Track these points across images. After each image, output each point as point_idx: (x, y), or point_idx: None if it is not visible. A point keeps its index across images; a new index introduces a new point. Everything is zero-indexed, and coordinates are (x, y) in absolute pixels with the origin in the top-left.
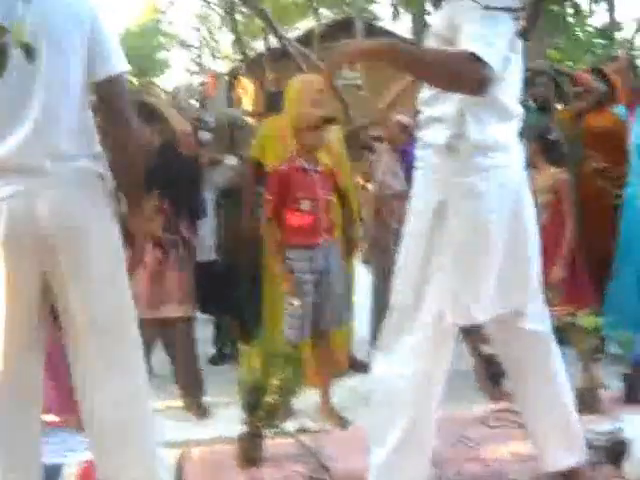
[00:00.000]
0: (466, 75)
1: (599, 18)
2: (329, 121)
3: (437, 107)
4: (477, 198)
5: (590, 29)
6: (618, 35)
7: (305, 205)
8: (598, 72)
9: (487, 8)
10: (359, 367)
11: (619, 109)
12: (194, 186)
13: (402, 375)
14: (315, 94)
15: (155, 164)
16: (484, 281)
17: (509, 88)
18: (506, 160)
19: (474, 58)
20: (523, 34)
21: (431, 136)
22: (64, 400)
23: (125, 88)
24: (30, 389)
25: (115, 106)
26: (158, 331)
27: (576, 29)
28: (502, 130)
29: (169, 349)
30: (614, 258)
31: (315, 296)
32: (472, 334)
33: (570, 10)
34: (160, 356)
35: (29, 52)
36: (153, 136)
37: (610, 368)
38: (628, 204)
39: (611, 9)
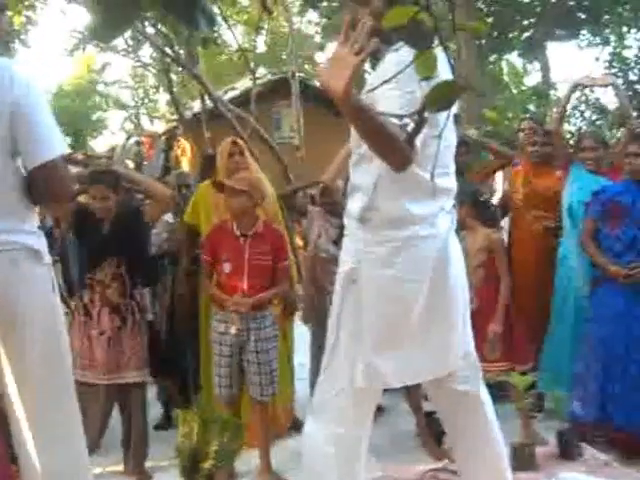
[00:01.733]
0: (398, 153)
1: (534, 78)
2: (220, 188)
3: (358, 175)
4: (387, 268)
5: (525, 88)
6: (552, 94)
7: (227, 268)
8: (544, 131)
9: (382, 114)
10: (301, 427)
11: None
12: (148, 251)
13: (326, 437)
14: (226, 161)
15: (114, 230)
16: (396, 347)
17: (427, 162)
18: (425, 232)
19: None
20: (409, 142)
21: (350, 205)
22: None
23: (61, 172)
24: None
25: (50, 191)
26: (114, 396)
27: (512, 88)
28: (420, 204)
29: (124, 414)
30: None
31: (243, 362)
32: (413, 392)
33: (506, 69)
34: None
35: None
36: (113, 203)
37: (546, 423)
38: (561, 263)
39: (545, 69)
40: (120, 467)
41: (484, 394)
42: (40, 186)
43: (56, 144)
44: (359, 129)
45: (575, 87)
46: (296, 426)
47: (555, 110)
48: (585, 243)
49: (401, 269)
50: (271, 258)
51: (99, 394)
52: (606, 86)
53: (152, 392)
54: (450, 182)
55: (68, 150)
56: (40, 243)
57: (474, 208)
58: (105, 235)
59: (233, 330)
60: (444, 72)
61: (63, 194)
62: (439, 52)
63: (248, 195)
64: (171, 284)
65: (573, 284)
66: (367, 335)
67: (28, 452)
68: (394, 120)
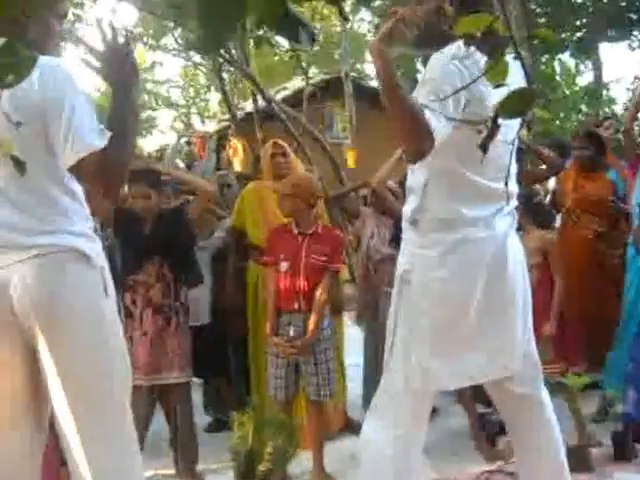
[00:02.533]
0: (417, 140)
1: (586, 77)
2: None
3: (412, 177)
4: (438, 270)
5: (577, 88)
6: (604, 94)
7: (283, 267)
8: (590, 135)
9: (451, 119)
10: (354, 428)
11: (611, 173)
12: (193, 252)
13: (383, 439)
14: (269, 162)
15: (156, 230)
16: (451, 349)
17: (479, 167)
18: (480, 234)
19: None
20: (483, 147)
21: (405, 207)
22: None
23: (102, 164)
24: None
25: (93, 185)
26: (157, 398)
27: (564, 88)
28: (473, 206)
29: (169, 415)
30: (618, 320)
31: (300, 362)
32: (466, 393)
33: (558, 69)
34: (153, 423)
35: (19, 164)
36: (155, 202)
37: (603, 425)
38: (630, 262)
39: (597, 69)
40: (172, 470)
41: (545, 395)
42: (83, 180)
43: (95, 138)
44: (388, 102)
45: None
46: (349, 427)
47: (630, 109)
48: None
49: (452, 271)
50: (327, 259)
51: (142, 396)
52: None
53: (199, 395)
54: (510, 185)
55: (104, 143)
56: (92, 246)
57: (528, 210)
58: (147, 235)
59: (291, 332)
60: (516, 79)
61: (110, 188)
62: (511, 59)
63: (298, 197)
64: (214, 284)
65: None
66: (421, 337)
67: (75, 458)
68: (469, 127)
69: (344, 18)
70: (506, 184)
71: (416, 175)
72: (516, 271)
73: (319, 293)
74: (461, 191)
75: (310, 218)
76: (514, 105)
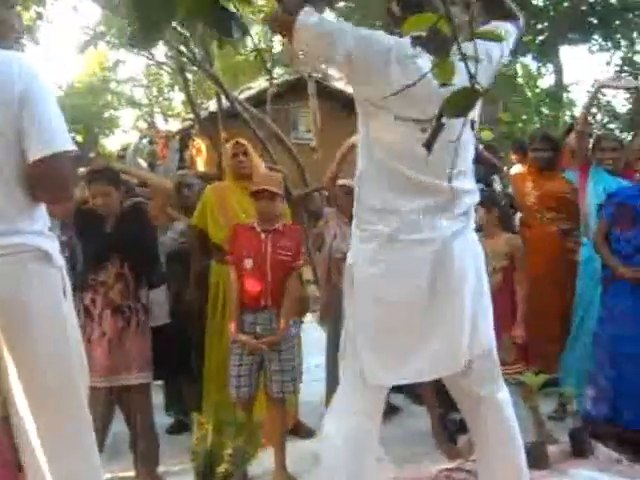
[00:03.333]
0: None
1: (547, 80)
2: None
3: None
4: (375, 265)
5: (538, 90)
6: (565, 97)
7: (248, 265)
8: (547, 138)
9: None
10: (305, 432)
11: (568, 174)
12: (154, 252)
13: (336, 431)
14: (230, 161)
15: (118, 228)
16: (389, 347)
17: (415, 161)
18: (416, 231)
19: None
20: (427, 146)
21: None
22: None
23: (62, 169)
24: None
25: (47, 188)
26: (116, 400)
27: (526, 91)
28: (408, 200)
29: (128, 417)
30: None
31: (265, 361)
32: (427, 393)
33: (520, 71)
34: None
35: None
36: (116, 199)
37: (560, 423)
38: (585, 264)
39: (558, 72)
40: (131, 472)
41: (504, 395)
42: (37, 182)
43: (59, 139)
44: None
45: (600, 87)
46: (299, 430)
47: (581, 111)
48: (597, 244)
49: (388, 267)
50: (291, 255)
51: (101, 398)
52: (629, 89)
53: (160, 396)
54: (460, 183)
55: (73, 148)
56: (53, 245)
57: (500, 214)
58: (109, 234)
59: (258, 329)
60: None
61: (60, 193)
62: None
63: (280, 197)
64: (177, 285)
65: (599, 285)
66: (361, 332)
67: (35, 459)
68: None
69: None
70: (449, 181)
71: (358, 167)
72: (464, 272)
73: (288, 291)
74: (395, 184)
75: (274, 216)
76: (458, 103)
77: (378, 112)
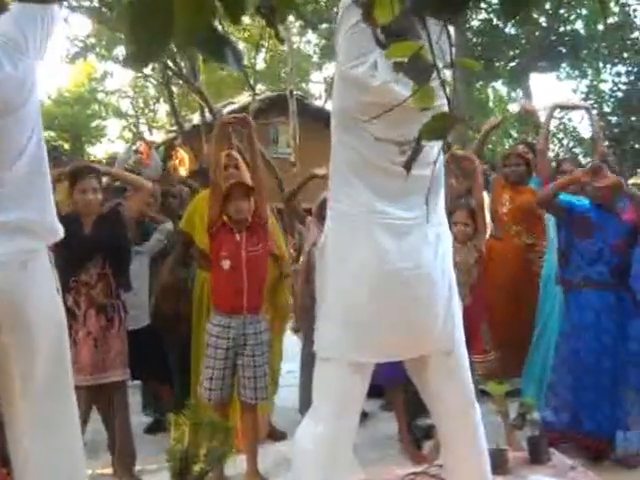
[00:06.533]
0: None
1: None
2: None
3: None
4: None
5: (508, 114)
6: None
7: (226, 264)
8: (520, 155)
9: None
10: (277, 436)
11: (534, 182)
12: (130, 254)
13: (307, 435)
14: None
15: (97, 230)
16: (351, 322)
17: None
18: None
19: None
20: (406, 168)
21: None
22: None
23: None
24: None
25: None
26: (93, 399)
27: (497, 114)
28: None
29: (106, 417)
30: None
31: (237, 366)
32: (396, 398)
33: (491, 96)
34: (93, 422)
35: None
36: (99, 200)
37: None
38: (547, 279)
39: (528, 97)
40: (110, 469)
41: (474, 402)
42: None
43: None
44: None
45: (555, 108)
46: (273, 435)
47: (541, 130)
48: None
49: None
50: (262, 246)
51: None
52: (580, 109)
53: (136, 396)
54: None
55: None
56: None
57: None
58: (88, 235)
59: (231, 334)
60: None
61: None
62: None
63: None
64: (153, 287)
65: (559, 299)
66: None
67: (26, 452)
68: (395, 147)
69: (280, 41)
70: (426, 203)
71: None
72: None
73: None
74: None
75: (247, 214)
76: (436, 128)
77: None
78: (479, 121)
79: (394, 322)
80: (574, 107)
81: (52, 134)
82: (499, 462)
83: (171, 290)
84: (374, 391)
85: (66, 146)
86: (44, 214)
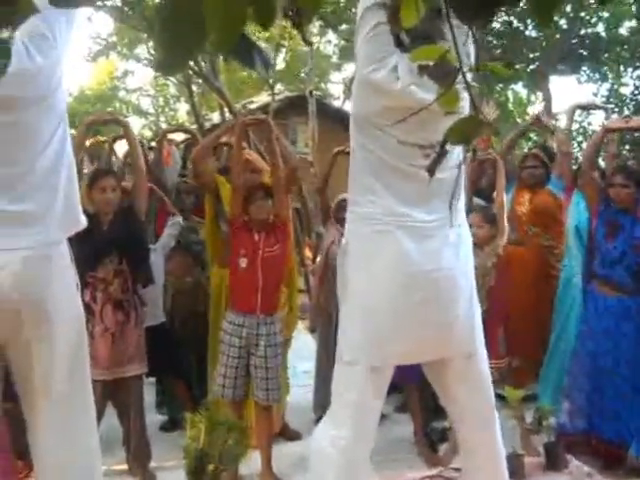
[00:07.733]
0: None
1: (536, 108)
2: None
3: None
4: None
5: (528, 117)
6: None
7: (243, 263)
8: (537, 156)
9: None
10: (291, 435)
11: (553, 184)
12: (148, 250)
13: (329, 440)
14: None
15: (114, 226)
16: (376, 328)
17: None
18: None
19: None
20: (429, 171)
21: None
22: (7, 467)
23: None
24: None
25: None
26: (109, 396)
27: (516, 117)
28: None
29: (121, 413)
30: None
31: (250, 366)
32: (412, 400)
33: (511, 98)
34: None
35: None
36: (119, 196)
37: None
38: (565, 283)
39: (547, 100)
40: (125, 466)
41: (493, 408)
42: None
43: None
44: None
45: (575, 108)
46: (286, 433)
47: (562, 132)
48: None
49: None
50: (279, 247)
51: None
52: (600, 109)
53: (151, 394)
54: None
55: None
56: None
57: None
58: (105, 231)
59: (244, 333)
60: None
61: None
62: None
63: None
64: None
65: (578, 303)
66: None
67: (46, 447)
68: (418, 150)
69: (307, 43)
70: (450, 206)
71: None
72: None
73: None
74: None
75: (267, 214)
76: (462, 132)
77: None
78: (499, 125)
79: (416, 323)
80: (594, 107)
81: (73, 132)
82: (515, 467)
83: (187, 292)
84: (389, 388)
85: (87, 143)
86: (69, 204)
